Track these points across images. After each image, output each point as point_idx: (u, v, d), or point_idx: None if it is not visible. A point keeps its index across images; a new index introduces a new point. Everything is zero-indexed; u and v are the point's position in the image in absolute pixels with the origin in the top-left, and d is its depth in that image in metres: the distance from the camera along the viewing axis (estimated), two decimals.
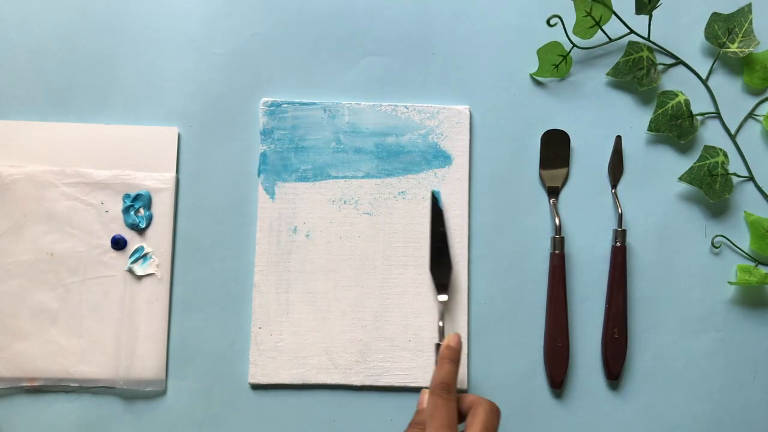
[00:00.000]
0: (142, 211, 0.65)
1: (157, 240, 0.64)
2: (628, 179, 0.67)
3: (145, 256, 0.64)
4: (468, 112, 0.67)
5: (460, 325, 0.64)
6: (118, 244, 0.64)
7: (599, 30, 0.66)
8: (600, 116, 0.68)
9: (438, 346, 0.61)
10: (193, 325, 0.64)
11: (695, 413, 0.64)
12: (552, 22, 0.65)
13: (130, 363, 0.63)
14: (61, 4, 0.68)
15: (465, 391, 0.64)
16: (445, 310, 0.63)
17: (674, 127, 0.66)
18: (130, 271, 0.64)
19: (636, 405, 0.64)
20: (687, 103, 0.66)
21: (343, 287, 0.65)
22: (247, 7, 0.69)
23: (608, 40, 0.67)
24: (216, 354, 0.64)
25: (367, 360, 0.64)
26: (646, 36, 0.67)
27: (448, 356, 0.55)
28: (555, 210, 0.66)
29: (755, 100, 0.68)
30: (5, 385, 0.62)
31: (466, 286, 0.65)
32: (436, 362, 0.57)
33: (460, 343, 0.57)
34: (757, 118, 0.68)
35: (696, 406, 0.65)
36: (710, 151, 0.66)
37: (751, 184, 0.67)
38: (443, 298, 0.63)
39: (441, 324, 0.62)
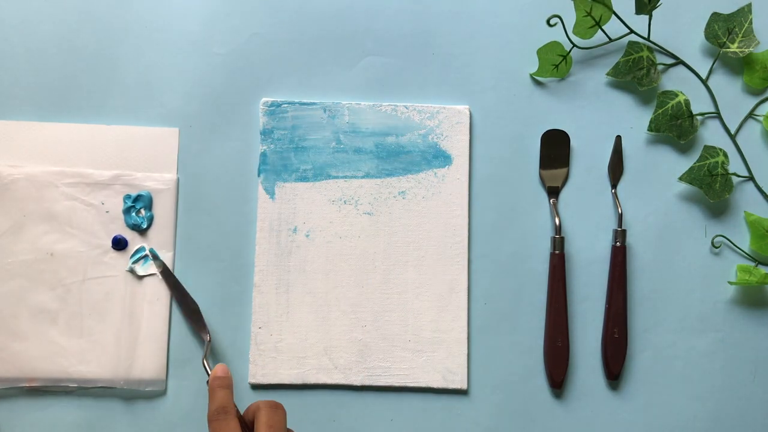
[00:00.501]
0: (143, 211, 0.65)
1: (157, 240, 0.64)
2: (628, 179, 0.67)
3: (146, 257, 0.64)
4: (468, 112, 0.67)
5: (460, 324, 0.64)
6: (119, 244, 0.64)
7: (599, 30, 0.66)
8: (600, 116, 0.68)
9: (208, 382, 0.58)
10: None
11: (695, 413, 0.64)
12: (552, 22, 0.65)
13: (130, 363, 0.63)
14: (61, 5, 0.68)
15: (462, 392, 0.64)
16: (207, 349, 0.62)
17: (674, 127, 0.66)
18: (132, 271, 0.64)
19: (636, 405, 0.64)
20: (687, 103, 0.66)
21: (343, 287, 0.65)
22: (247, 7, 0.69)
23: (608, 40, 0.67)
24: (216, 354, 0.64)
25: (367, 360, 0.64)
26: (646, 36, 0.67)
27: (218, 385, 0.55)
28: (555, 210, 0.66)
29: (755, 100, 0.68)
30: (4, 386, 0.62)
31: (466, 286, 0.65)
32: (209, 397, 0.56)
33: (226, 371, 0.56)
34: (757, 118, 0.68)
35: (696, 406, 0.65)
36: (710, 151, 0.66)
37: (751, 184, 0.67)
38: (207, 338, 0.62)
39: (204, 362, 0.60)
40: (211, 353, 0.64)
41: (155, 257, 0.64)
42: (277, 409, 0.53)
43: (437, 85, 0.68)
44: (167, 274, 0.64)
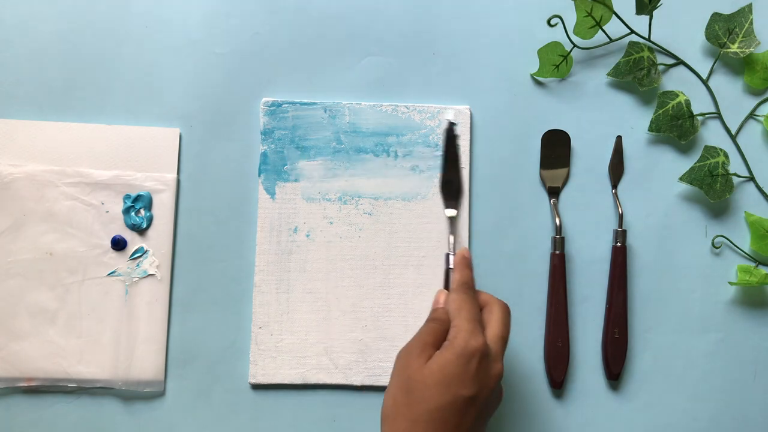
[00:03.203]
0: (142, 211, 0.65)
1: (157, 240, 0.64)
2: (628, 179, 0.67)
3: (144, 253, 0.64)
4: (468, 112, 0.67)
5: None
6: (119, 244, 0.64)
7: (600, 30, 0.66)
8: (600, 116, 0.68)
9: (447, 255, 0.61)
10: (193, 325, 0.64)
11: (695, 413, 0.64)
12: (552, 22, 0.65)
13: (129, 364, 0.63)
14: (61, 5, 0.68)
15: None
16: (454, 225, 0.64)
17: (675, 127, 0.66)
18: (131, 271, 0.64)
19: (636, 405, 0.64)
20: (687, 103, 0.66)
21: (344, 287, 0.65)
22: (247, 7, 0.69)
23: (609, 40, 0.67)
24: (216, 354, 0.64)
25: (368, 360, 0.64)
26: (646, 36, 0.67)
27: (465, 264, 0.58)
28: (555, 210, 0.66)
29: (756, 101, 0.68)
30: (3, 385, 0.62)
31: None
32: (446, 270, 0.61)
33: (470, 254, 0.59)
34: (758, 118, 0.68)
35: (696, 406, 0.65)
36: (711, 151, 0.66)
37: (751, 185, 0.67)
38: (451, 213, 0.64)
39: (452, 238, 0.63)
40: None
41: (450, 119, 0.65)
42: (508, 311, 0.56)
43: (437, 85, 0.68)
44: (452, 136, 0.66)
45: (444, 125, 0.66)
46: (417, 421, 0.49)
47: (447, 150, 0.66)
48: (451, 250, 0.63)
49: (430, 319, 0.56)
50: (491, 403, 0.53)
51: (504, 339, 0.54)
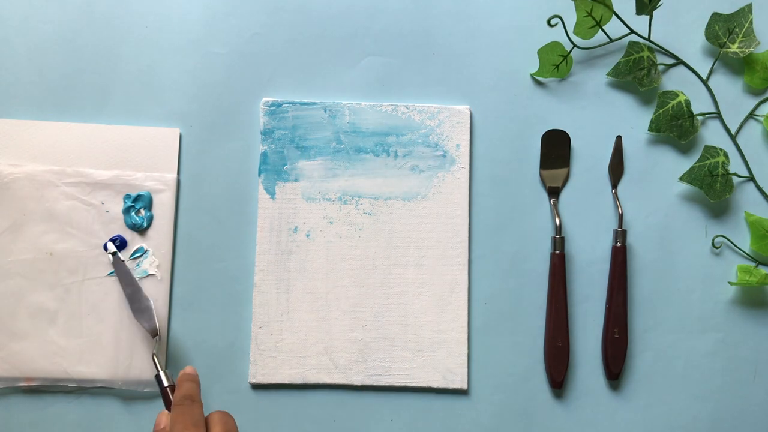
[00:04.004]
0: (142, 211, 0.65)
1: (157, 240, 0.64)
2: (628, 179, 0.67)
3: (144, 253, 0.64)
4: (468, 112, 0.67)
5: (460, 324, 0.64)
6: (117, 246, 0.64)
7: (600, 30, 0.66)
8: (600, 116, 0.68)
9: (157, 377, 0.58)
10: (193, 325, 0.64)
11: (695, 413, 0.64)
12: (552, 22, 0.65)
13: (128, 364, 0.63)
14: (62, 5, 0.68)
15: (463, 392, 0.64)
16: (158, 350, 0.62)
17: (675, 127, 0.66)
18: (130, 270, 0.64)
19: (636, 405, 0.64)
20: (687, 103, 0.66)
21: (344, 287, 0.65)
22: (247, 7, 0.69)
23: (609, 40, 0.67)
24: (216, 354, 0.64)
25: (367, 360, 0.64)
26: (646, 36, 0.67)
27: (187, 378, 0.54)
28: (555, 210, 0.66)
29: (756, 101, 0.68)
30: (3, 385, 0.62)
31: (466, 286, 0.65)
32: (162, 390, 0.57)
33: (194, 370, 0.55)
34: (758, 118, 0.68)
35: (696, 406, 0.65)
36: (711, 151, 0.66)
37: (751, 185, 0.67)
38: (157, 339, 0.61)
39: (155, 359, 0.60)
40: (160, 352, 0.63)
41: (113, 252, 0.63)
42: (229, 416, 0.51)
43: (437, 85, 0.68)
44: (119, 265, 0.63)
45: (109, 259, 0.63)
46: None
47: (122, 278, 0.63)
48: (158, 370, 0.58)
49: None
50: None
51: None
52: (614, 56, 0.68)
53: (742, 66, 0.68)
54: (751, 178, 0.67)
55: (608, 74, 0.67)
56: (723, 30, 0.67)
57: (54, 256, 0.64)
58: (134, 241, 0.64)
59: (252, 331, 0.64)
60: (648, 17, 0.67)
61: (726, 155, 0.66)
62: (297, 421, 0.63)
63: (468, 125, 0.67)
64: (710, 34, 0.67)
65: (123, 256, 0.64)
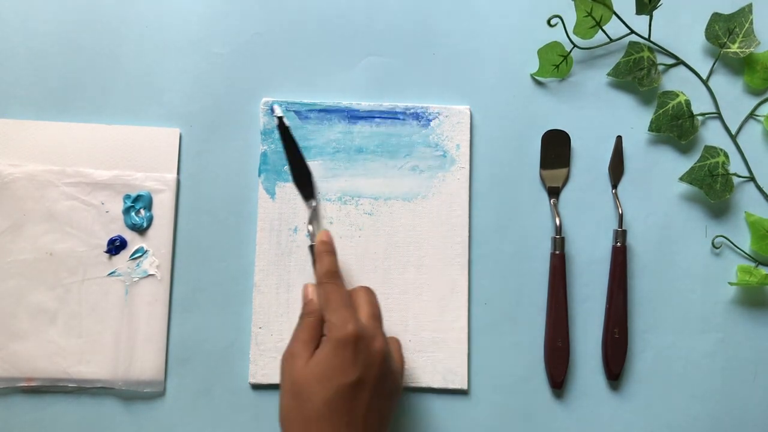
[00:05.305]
0: (142, 211, 0.65)
1: (157, 240, 0.64)
2: (628, 179, 0.67)
3: (144, 253, 0.64)
4: (468, 112, 0.67)
5: (460, 324, 0.64)
6: (117, 246, 0.64)
7: (600, 30, 0.66)
8: (600, 116, 0.68)
9: (311, 247, 0.61)
10: (193, 325, 0.64)
11: (695, 413, 0.64)
12: (552, 22, 0.65)
13: (128, 364, 0.63)
14: (62, 4, 0.68)
15: (463, 392, 0.64)
16: (313, 215, 0.64)
17: (675, 127, 0.66)
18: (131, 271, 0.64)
19: (636, 405, 0.64)
20: (688, 103, 0.66)
21: None
22: (247, 7, 0.69)
23: (609, 40, 0.67)
24: (216, 354, 0.64)
25: None
26: (646, 36, 0.67)
27: (325, 249, 0.58)
28: (555, 210, 0.66)
29: (756, 101, 0.68)
30: (3, 385, 0.62)
31: (466, 286, 0.65)
32: (313, 262, 0.60)
33: (330, 236, 0.60)
34: (758, 118, 0.68)
35: (696, 407, 0.65)
36: (711, 151, 0.66)
37: (751, 185, 0.67)
38: (312, 203, 0.64)
39: (310, 227, 0.64)
40: (316, 218, 0.65)
41: (279, 116, 0.65)
42: (372, 292, 0.57)
43: (437, 85, 0.68)
44: (284, 128, 0.66)
45: (275, 122, 0.66)
46: (309, 420, 0.50)
47: (286, 144, 0.66)
48: (314, 241, 0.62)
49: (303, 315, 0.57)
50: (386, 380, 0.53)
51: (376, 317, 0.55)
52: (614, 56, 0.68)
53: (742, 66, 0.68)
54: (752, 178, 0.67)
55: (608, 74, 0.67)
56: (723, 30, 0.67)
57: (54, 256, 0.64)
58: (134, 241, 0.64)
59: (252, 331, 0.64)
60: (648, 17, 0.67)
61: (726, 155, 0.66)
62: None
63: (468, 125, 0.67)
64: (710, 34, 0.67)
65: (123, 256, 0.64)
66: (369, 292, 0.57)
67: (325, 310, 0.54)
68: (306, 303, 0.57)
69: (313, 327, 0.55)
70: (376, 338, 0.53)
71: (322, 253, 0.58)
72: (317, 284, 0.56)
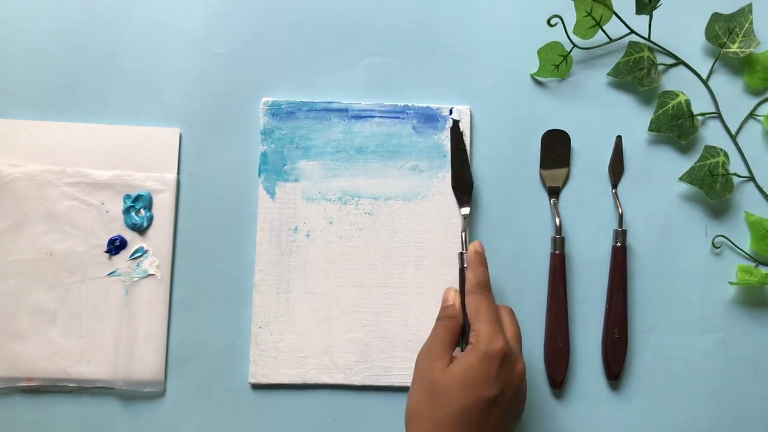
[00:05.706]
0: (142, 211, 0.65)
1: (157, 240, 0.64)
2: (628, 179, 0.67)
3: (144, 253, 0.64)
4: (468, 112, 0.67)
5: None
6: (117, 246, 0.64)
7: (600, 30, 0.66)
8: (600, 116, 0.68)
9: (461, 254, 0.61)
10: (193, 325, 0.64)
11: (695, 413, 0.64)
12: (552, 22, 0.65)
13: (129, 364, 0.63)
14: (61, 4, 0.68)
15: None
16: (466, 223, 0.65)
17: (675, 127, 0.66)
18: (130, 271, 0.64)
19: (636, 405, 0.64)
20: (687, 103, 0.66)
21: (344, 287, 0.65)
22: (247, 7, 0.69)
23: (609, 40, 0.67)
24: (216, 354, 0.64)
25: (368, 360, 0.64)
26: (646, 36, 0.67)
27: (479, 260, 0.58)
28: (555, 210, 0.66)
29: (756, 100, 0.68)
30: (3, 385, 0.62)
31: None
32: (460, 269, 0.61)
33: (483, 247, 0.60)
34: (758, 118, 0.68)
35: (696, 407, 0.65)
36: (711, 151, 0.66)
37: (751, 185, 0.67)
38: (465, 211, 0.65)
39: (464, 234, 0.63)
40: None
41: (455, 117, 0.66)
42: (513, 313, 0.58)
43: (438, 85, 0.68)
44: (457, 132, 0.66)
45: (449, 124, 0.66)
46: (442, 423, 0.51)
47: (456, 148, 0.66)
48: (465, 248, 0.63)
49: (444, 317, 0.58)
50: (518, 401, 0.54)
51: (519, 338, 0.56)
52: (614, 56, 0.68)
53: (742, 66, 0.68)
54: (752, 178, 0.67)
55: (608, 74, 0.67)
56: (723, 30, 0.67)
57: (54, 256, 0.64)
58: (134, 241, 0.64)
59: (252, 331, 0.64)
60: (648, 17, 0.67)
61: (726, 155, 0.66)
62: (297, 421, 0.63)
63: (468, 125, 0.67)
64: (710, 34, 0.67)
65: (123, 256, 0.64)
66: (512, 313, 0.58)
67: (474, 320, 0.55)
68: (447, 306, 0.58)
69: (454, 330, 0.57)
70: (520, 360, 0.54)
71: (476, 263, 0.58)
72: (468, 293, 0.57)
